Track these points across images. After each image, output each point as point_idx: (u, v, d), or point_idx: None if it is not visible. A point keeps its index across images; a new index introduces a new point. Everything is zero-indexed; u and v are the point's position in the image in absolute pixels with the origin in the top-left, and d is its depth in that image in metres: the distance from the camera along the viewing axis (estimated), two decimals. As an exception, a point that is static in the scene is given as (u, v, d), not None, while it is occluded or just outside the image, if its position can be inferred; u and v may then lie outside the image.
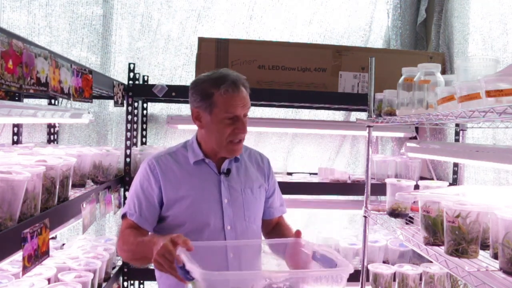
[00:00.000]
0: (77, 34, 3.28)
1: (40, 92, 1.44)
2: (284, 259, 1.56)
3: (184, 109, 3.42)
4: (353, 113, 3.61)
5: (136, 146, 3.18)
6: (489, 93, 1.27)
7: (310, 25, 3.51)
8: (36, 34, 3.19)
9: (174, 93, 2.77)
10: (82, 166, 2.19)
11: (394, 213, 2.16)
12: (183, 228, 1.68)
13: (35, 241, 1.42)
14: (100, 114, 3.38)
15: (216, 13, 3.42)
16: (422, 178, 3.04)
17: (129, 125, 2.79)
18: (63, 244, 2.76)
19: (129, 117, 2.79)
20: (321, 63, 2.99)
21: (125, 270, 2.81)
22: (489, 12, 2.64)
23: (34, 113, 2.08)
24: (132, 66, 2.82)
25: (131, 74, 2.81)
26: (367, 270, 2.56)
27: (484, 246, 1.48)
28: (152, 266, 1.96)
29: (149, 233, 1.74)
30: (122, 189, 2.80)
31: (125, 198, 2.83)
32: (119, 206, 2.69)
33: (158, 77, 3.40)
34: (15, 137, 2.97)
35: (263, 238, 1.89)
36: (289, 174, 3.35)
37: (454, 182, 2.92)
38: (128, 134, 2.77)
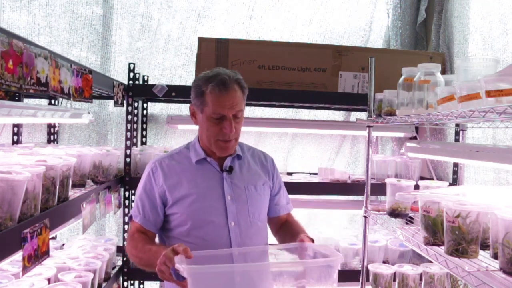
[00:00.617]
0: (77, 34, 3.28)
1: (40, 92, 1.44)
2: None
3: (184, 109, 3.42)
4: (353, 113, 3.61)
5: (136, 146, 3.18)
6: (489, 93, 1.27)
7: (310, 25, 3.51)
8: (36, 34, 3.19)
9: (174, 93, 2.78)
10: (82, 166, 2.19)
11: (394, 213, 2.16)
12: (187, 226, 1.71)
13: (35, 241, 1.42)
14: (100, 114, 3.38)
15: (216, 13, 3.42)
16: (422, 178, 3.04)
17: (129, 125, 2.79)
18: (63, 244, 2.76)
19: (129, 117, 2.79)
20: (321, 63, 2.99)
21: (125, 270, 2.81)
22: (489, 12, 2.64)
23: (34, 113, 2.08)
24: (132, 66, 2.82)
25: (131, 74, 2.81)
26: (367, 270, 2.57)
27: (484, 246, 1.48)
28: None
29: (156, 237, 1.79)
30: (122, 189, 2.80)
31: (125, 198, 2.84)
32: (119, 206, 2.70)
33: (158, 77, 3.40)
34: (15, 137, 2.97)
35: (270, 235, 1.91)
36: (289, 174, 3.35)
37: (454, 182, 2.92)
38: (128, 134, 2.78)
